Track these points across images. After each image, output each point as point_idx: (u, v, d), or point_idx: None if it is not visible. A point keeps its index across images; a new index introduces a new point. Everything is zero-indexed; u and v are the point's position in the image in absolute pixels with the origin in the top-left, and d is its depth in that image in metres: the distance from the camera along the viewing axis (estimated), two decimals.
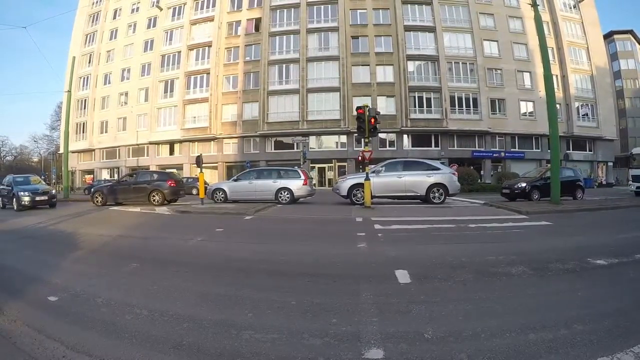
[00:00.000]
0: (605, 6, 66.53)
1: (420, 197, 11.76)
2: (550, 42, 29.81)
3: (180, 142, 34.36)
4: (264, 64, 32.08)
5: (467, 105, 30.64)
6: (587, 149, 34.09)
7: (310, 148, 29.29)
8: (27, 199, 12.66)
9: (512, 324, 2.46)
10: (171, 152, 35.35)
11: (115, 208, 12.29)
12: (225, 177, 30.41)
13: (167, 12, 35.79)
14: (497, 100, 31.18)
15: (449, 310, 2.75)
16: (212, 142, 33.48)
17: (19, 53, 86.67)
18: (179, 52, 34.59)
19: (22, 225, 8.53)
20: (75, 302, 3.11)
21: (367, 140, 11.18)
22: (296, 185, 12.82)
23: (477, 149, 31.10)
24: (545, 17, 30.67)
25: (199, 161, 12.90)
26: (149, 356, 2.13)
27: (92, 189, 16.22)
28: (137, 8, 37.60)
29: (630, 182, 16.13)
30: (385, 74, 30.98)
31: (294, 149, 28.70)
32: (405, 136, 31.11)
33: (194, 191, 21.80)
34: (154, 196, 12.96)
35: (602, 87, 34.21)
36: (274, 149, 32.05)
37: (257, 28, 33.33)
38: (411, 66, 31.17)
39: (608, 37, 43.05)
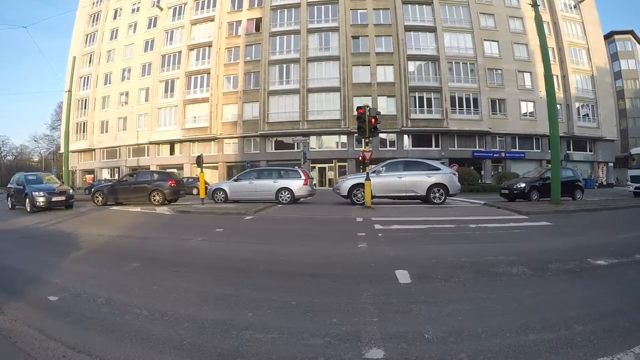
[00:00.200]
0: (605, 6, 66.55)
1: (421, 197, 11.76)
2: (551, 42, 29.79)
3: (181, 142, 34.37)
4: (264, 64, 32.08)
5: (468, 106, 30.63)
6: (588, 150, 34.06)
7: (311, 148, 29.30)
8: (42, 199, 11.40)
9: (512, 324, 2.47)
10: (171, 152, 35.35)
11: (116, 208, 12.30)
12: (225, 177, 30.42)
13: (168, 12, 35.80)
14: (497, 101, 31.16)
15: (449, 310, 2.75)
16: (213, 142, 33.49)
17: (20, 53, 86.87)
18: (180, 52, 34.60)
19: (22, 225, 8.53)
20: (75, 301, 3.11)
21: (367, 140, 11.17)
22: (297, 185, 12.82)
23: (477, 149, 31.07)
24: (546, 17, 30.65)
25: (199, 161, 12.90)
26: (149, 356, 2.13)
27: (93, 189, 16.14)
28: (138, 8, 37.61)
29: (628, 183, 15.93)
30: (386, 74, 30.98)
31: (294, 149, 28.69)
32: (405, 136, 31.09)
33: (195, 191, 21.79)
34: (154, 196, 12.96)
35: (603, 88, 34.18)
36: (275, 149, 32.05)
37: (257, 28, 33.34)
38: (411, 66, 31.15)
39: (608, 37, 43.02)
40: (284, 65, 32.14)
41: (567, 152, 31.52)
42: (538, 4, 11.64)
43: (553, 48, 31.18)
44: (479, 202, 12.55)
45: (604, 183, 33.85)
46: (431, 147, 30.70)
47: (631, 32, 45.10)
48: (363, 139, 11.24)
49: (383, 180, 11.73)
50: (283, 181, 12.90)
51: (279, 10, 33.00)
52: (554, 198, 10.73)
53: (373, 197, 11.18)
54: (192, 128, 33.59)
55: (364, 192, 10.97)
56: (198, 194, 14.52)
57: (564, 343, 2.17)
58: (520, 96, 31.49)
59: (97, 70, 38.62)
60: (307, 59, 31.48)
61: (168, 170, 19.00)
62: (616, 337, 2.24)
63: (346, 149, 30.88)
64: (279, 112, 31.67)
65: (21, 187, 12.22)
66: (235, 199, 12.92)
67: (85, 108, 39.01)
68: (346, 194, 11.83)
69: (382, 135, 29.20)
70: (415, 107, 30.64)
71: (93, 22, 40.16)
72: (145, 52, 36.34)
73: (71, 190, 12.99)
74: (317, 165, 31.29)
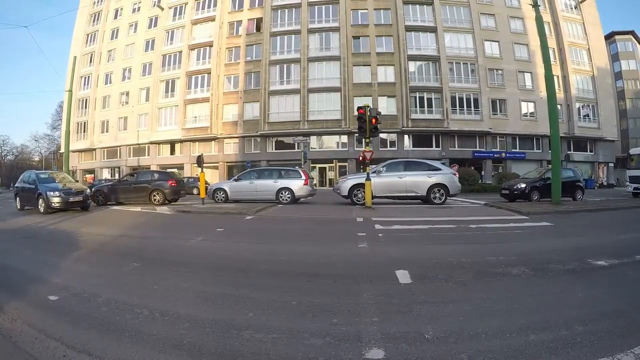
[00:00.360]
0: (606, 7, 66.55)
1: (421, 198, 11.75)
2: (551, 43, 29.75)
3: (181, 141, 34.37)
4: (265, 63, 32.08)
5: (468, 106, 30.61)
6: (588, 150, 34.02)
7: (311, 148, 29.29)
8: (57, 199, 10.56)
9: (512, 324, 2.47)
10: (172, 151, 35.36)
11: (116, 207, 12.28)
12: (226, 177, 30.40)
13: (168, 12, 35.81)
14: (498, 101, 31.14)
15: (449, 310, 2.75)
16: (213, 142, 33.49)
17: (20, 53, 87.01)
18: (180, 52, 34.60)
19: (22, 225, 8.54)
20: (75, 301, 3.11)
21: (367, 140, 11.17)
22: (297, 185, 12.81)
23: (477, 149, 31.04)
24: (546, 17, 30.61)
25: (199, 161, 12.90)
26: (149, 356, 2.13)
27: (93, 189, 16.07)
28: (138, 8, 37.61)
29: (627, 183, 15.82)
30: (386, 74, 30.97)
31: (294, 149, 28.68)
32: (406, 136, 31.07)
33: (195, 191, 21.79)
34: (154, 196, 12.95)
35: (603, 88, 34.13)
36: (275, 149, 32.04)
37: (258, 28, 33.34)
38: (412, 66, 31.13)
39: (609, 37, 42.98)
40: (285, 65, 32.13)
41: (568, 152, 31.49)
42: (539, 4, 11.63)
43: (554, 48, 31.15)
44: (480, 203, 12.54)
45: (605, 183, 33.81)
46: (431, 147, 30.67)
47: (632, 33, 45.04)
48: (363, 139, 11.24)
49: (383, 181, 11.72)
50: (283, 181, 12.90)
51: (279, 10, 33.00)
52: (554, 198, 10.72)
53: (373, 197, 11.17)
54: (192, 128, 33.58)
55: (364, 192, 10.96)
56: (198, 193, 14.53)
57: (564, 343, 2.17)
58: (520, 96, 31.46)
59: (98, 70, 38.63)
60: (307, 59, 31.47)
61: (168, 170, 18.98)
62: (616, 337, 2.24)
63: (346, 149, 30.87)
64: (280, 112, 31.67)
65: (33, 186, 11.38)
66: (235, 199, 12.92)
67: (85, 108, 39.04)
68: (346, 194, 11.82)
69: (382, 136, 29.18)
70: (416, 107, 30.63)
71: (94, 21, 40.19)
72: (145, 51, 36.35)
73: (88, 191, 11.97)
74: (318, 165, 31.28)
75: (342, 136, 31.28)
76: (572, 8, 34.21)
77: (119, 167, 36.86)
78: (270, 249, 5.49)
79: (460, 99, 30.58)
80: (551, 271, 3.82)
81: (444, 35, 31.04)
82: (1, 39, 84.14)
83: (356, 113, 11.31)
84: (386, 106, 29.44)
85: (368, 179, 10.84)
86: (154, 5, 36.03)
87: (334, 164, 31.24)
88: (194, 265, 4.40)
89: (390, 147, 30.52)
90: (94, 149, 38.59)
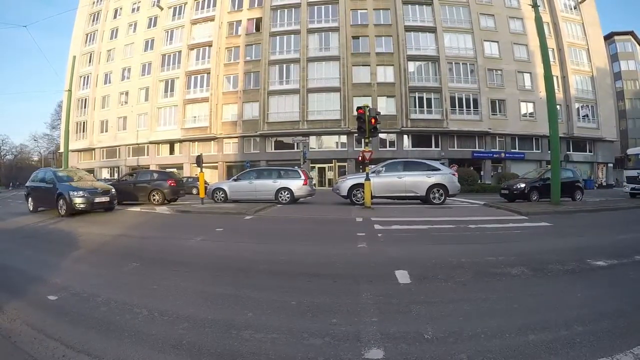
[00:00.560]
0: (605, 7, 66.67)
1: (420, 198, 11.76)
2: (551, 43, 29.86)
3: (181, 141, 34.34)
4: (264, 63, 32.07)
5: (468, 106, 30.64)
6: (588, 150, 34.07)
7: (311, 148, 29.28)
8: (81, 200, 9.68)
9: (511, 324, 2.47)
10: (171, 151, 35.34)
11: (115, 207, 12.24)
12: (225, 176, 30.41)
13: (168, 11, 35.79)
14: (497, 101, 31.16)
15: (449, 310, 2.76)
16: (213, 141, 33.47)
17: (20, 52, 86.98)
18: (180, 52, 34.58)
19: (22, 225, 8.52)
20: (75, 301, 3.11)
21: (367, 140, 11.16)
22: (296, 185, 12.82)
23: (477, 149, 31.07)
24: (546, 17, 30.67)
25: (199, 161, 12.89)
26: (148, 355, 2.13)
27: None
28: (138, 7, 37.60)
29: (624, 184, 15.77)
30: (386, 74, 30.98)
31: (294, 149, 28.68)
32: (405, 136, 31.09)
33: (194, 191, 21.80)
34: (154, 196, 12.95)
35: (603, 88, 34.18)
36: (274, 149, 32.04)
37: (257, 28, 33.34)
38: (411, 66, 31.15)
39: (608, 38, 43.05)
40: (284, 65, 32.13)
41: (567, 152, 31.52)
42: (538, 4, 11.64)
43: (553, 49, 31.22)
44: (479, 203, 12.55)
45: (604, 184, 33.87)
46: (431, 147, 30.69)
47: (631, 33, 45.12)
48: (363, 139, 11.24)
49: (383, 181, 11.73)
50: (283, 181, 12.90)
51: (279, 10, 33.00)
52: (553, 199, 10.73)
53: (373, 197, 11.17)
54: (192, 128, 33.57)
55: (363, 192, 10.97)
56: (198, 193, 14.51)
57: (563, 343, 2.18)
58: (520, 97, 31.49)
59: (97, 70, 38.60)
60: (307, 59, 31.48)
61: (168, 170, 18.99)
62: (616, 337, 2.25)
63: (346, 149, 30.87)
64: (279, 112, 31.66)
65: (50, 185, 10.46)
66: (235, 199, 12.92)
67: (85, 107, 39.00)
68: (346, 194, 11.83)
69: (381, 136, 29.21)
70: (415, 107, 30.65)
71: (93, 21, 40.15)
72: (145, 51, 36.33)
73: (114, 190, 11.02)
74: (317, 165, 31.29)
75: (342, 136, 31.29)
76: (571, 8, 34.26)
77: (118, 167, 36.83)
78: (269, 249, 5.48)
79: (460, 99, 30.60)
80: (551, 271, 3.82)
81: (444, 35, 31.06)
82: (1, 38, 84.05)
83: (355, 113, 11.30)
84: (385, 106, 29.46)
85: (367, 179, 10.85)
86: (154, 5, 36.04)
87: (333, 164, 31.24)
88: (194, 265, 4.40)
89: (389, 147, 30.54)
90: (93, 149, 38.56)
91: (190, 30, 34.78)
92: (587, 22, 34.09)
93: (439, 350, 2.12)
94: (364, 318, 2.62)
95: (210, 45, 33.61)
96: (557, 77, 30.62)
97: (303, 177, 13.05)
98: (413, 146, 30.73)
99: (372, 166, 12.51)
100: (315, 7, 32.29)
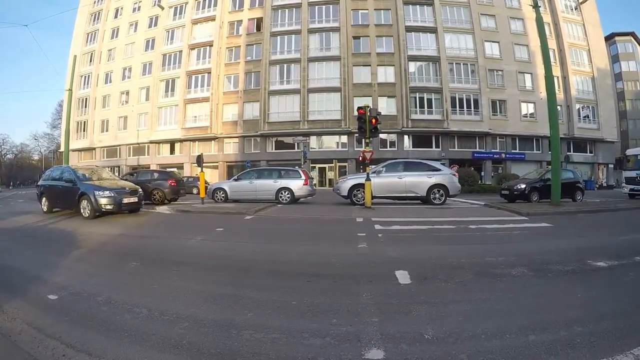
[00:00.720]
0: (606, 8, 66.64)
1: (421, 198, 11.75)
2: (552, 44, 29.79)
3: (181, 141, 34.36)
4: (265, 63, 32.08)
5: (468, 106, 30.63)
6: (588, 151, 34.04)
7: (311, 148, 29.29)
8: (107, 201, 9.00)
9: (512, 325, 2.47)
10: (172, 151, 35.35)
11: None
12: (225, 176, 30.42)
13: (169, 11, 35.82)
14: (497, 102, 31.15)
15: (449, 310, 2.75)
16: (213, 141, 33.49)
17: (20, 52, 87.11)
18: (180, 52, 34.61)
19: (22, 224, 8.53)
20: (75, 301, 3.11)
21: (367, 140, 11.16)
22: (297, 185, 12.82)
23: (477, 150, 31.06)
24: (547, 18, 30.65)
25: (199, 160, 12.89)
26: (148, 355, 2.13)
27: None
28: (139, 7, 37.64)
29: (623, 184, 15.74)
30: (386, 74, 30.98)
31: (294, 149, 28.69)
32: (405, 137, 31.08)
33: (195, 190, 21.79)
34: (154, 195, 12.95)
35: (603, 89, 34.16)
36: (275, 149, 32.04)
37: (258, 28, 33.35)
38: (412, 67, 31.14)
39: (609, 38, 43.03)
40: (285, 65, 32.13)
41: (568, 153, 31.49)
42: (539, 5, 11.64)
43: (554, 49, 31.18)
44: (479, 203, 12.55)
45: (604, 184, 33.85)
46: (431, 147, 30.68)
47: (632, 34, 45.12)
48: (363, 139, 11.24)
49: (383, 181, 11.73)
50: (283, 181, 12.90)
51: (279, 10, 33.01)
52: (554, 199, 10.72)
53: (373, 197, 11.17)
54: (192, 127, 33.59)
55: (364, 192, 10.96)
56: (198, 193, 14.51)
57: (563, 344, 2.18)
58: (520, 97, 31.48)
59: (98, 69, 38.64)
60: (307, 59, 31.48)
61: (168, 170, 18.97)
62: (616, 338, 2.24)
63: (346, 149, 30.87)
64: (280, 112, 31.67)
65: (70, 184, 9.66)
66: (235, 199, 12.92)
67: (85, 107, 39.04)
68: (346, 194, 11.83)
69: (382, 136, 29.20)
70: (416, 107, 30.64)
71: (94, 21, 40.19)
72: (146, 51, 36.36)
73: (141, 190, 10.37)
74: (317, 165, 31.29)
75: (342, 136, 31.28)
76: (572, 9, 34.24)
77: (118, 167, 36.81)
78: (270, 248, 5.48)
79: (460, 100, 30.59)
80: (551, 272, 3.82)
81: (444, 35, 31.05)
82: (1, 38, 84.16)
83: (356, 113, 11.31)
84: (386, 106, 29.46)
85: (368, 179, 10.85)
86: (155, 5, 36.04)
87: (333, 164, 31.25)
88: (194, 264, 4.39)
89: (390, 147, 30.53)
90: (94, 148, 38.59)
91: (191, 30, 34.80)
92: (588, 23, 34.07)
93: (439, 351, 2.12)
94: (364, 318, 2.62)
95: (211, 45, 33.63)
96: (557, 77, 30.63)
97: (303, 177, 13.05)
98: (413, 146, 30.72)
99: (373, 166, 12.53)
100: (316, 7, 32.29)
